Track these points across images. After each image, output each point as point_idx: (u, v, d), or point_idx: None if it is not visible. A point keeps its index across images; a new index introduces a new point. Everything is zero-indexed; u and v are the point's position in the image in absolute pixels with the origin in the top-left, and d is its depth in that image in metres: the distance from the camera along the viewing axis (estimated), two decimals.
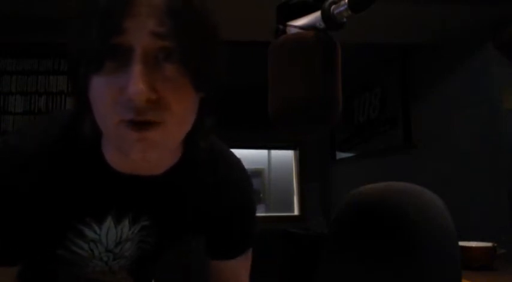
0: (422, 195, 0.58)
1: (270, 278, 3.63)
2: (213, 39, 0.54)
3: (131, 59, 0.47)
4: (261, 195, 4.40)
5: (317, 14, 0.45)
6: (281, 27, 0.48)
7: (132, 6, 0.47)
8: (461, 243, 1.46)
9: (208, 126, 0.62)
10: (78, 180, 0.60)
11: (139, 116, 0.48)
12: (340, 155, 3.78)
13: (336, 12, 0.43)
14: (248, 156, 4.17)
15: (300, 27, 0.46)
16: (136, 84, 0.46)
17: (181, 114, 0.51)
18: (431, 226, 0.55)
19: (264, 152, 4.31)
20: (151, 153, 0.51)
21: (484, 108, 2.05)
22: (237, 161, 0.76)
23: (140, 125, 0.48)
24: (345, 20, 0.44)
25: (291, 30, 0.47)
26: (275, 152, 4.30)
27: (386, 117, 2.96)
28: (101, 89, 0.49)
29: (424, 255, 0.53)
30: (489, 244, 1.52)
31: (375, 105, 3.13)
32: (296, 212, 4.12)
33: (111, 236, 0.65)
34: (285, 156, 4.25)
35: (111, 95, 0.48)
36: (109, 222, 0.64)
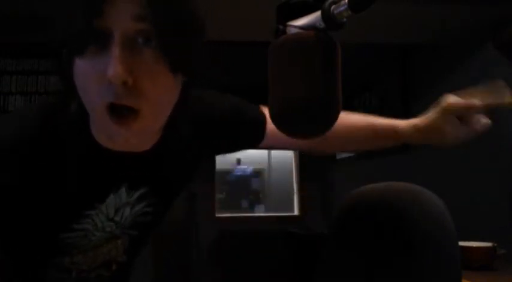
0: (422, 195, 0.58)
1: (270, 278, 3.63)
2: (194, 25, 0.55)
3: (111, 43, 0.49)
4: (261, 195, 4.40)
5: (317, 14, 0.45)
6: (281, 27, 0.48)
7: None
8: (461, 243, 1.45)
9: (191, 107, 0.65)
10: (75, 165, 0.60)
11: (118, 100, 0.50)
12: (340, 155, 3.77)
13: (336, 12, 0.43)
14: (248, 156, 4.17)
15: (300, 27, 0.46)
16: (114, 67, 0.48)
17: (156, 100, 0.53)
18: (431, 226, 0.55)
19: (264, 152, 4.32)
20: (132, 139, 0.56)
21: None
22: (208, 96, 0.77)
23: (119, 112, 0.51)
24: (345, 20, 0.44)
25: (291, 30, 0.47)
26: (275, 152, 4.30)
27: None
28: (84, 72, 0.51)
29: (424, 255, 0.53)
30: (489, 244, 1.51)
31: (375, 105, 3.12)
32: (296, 212, 4.12)
33: (111, 204, 0.66)
34: (285, 156, 4.25)
35: (94, 78, 0.50)
36: (110, 198, 0.65)
